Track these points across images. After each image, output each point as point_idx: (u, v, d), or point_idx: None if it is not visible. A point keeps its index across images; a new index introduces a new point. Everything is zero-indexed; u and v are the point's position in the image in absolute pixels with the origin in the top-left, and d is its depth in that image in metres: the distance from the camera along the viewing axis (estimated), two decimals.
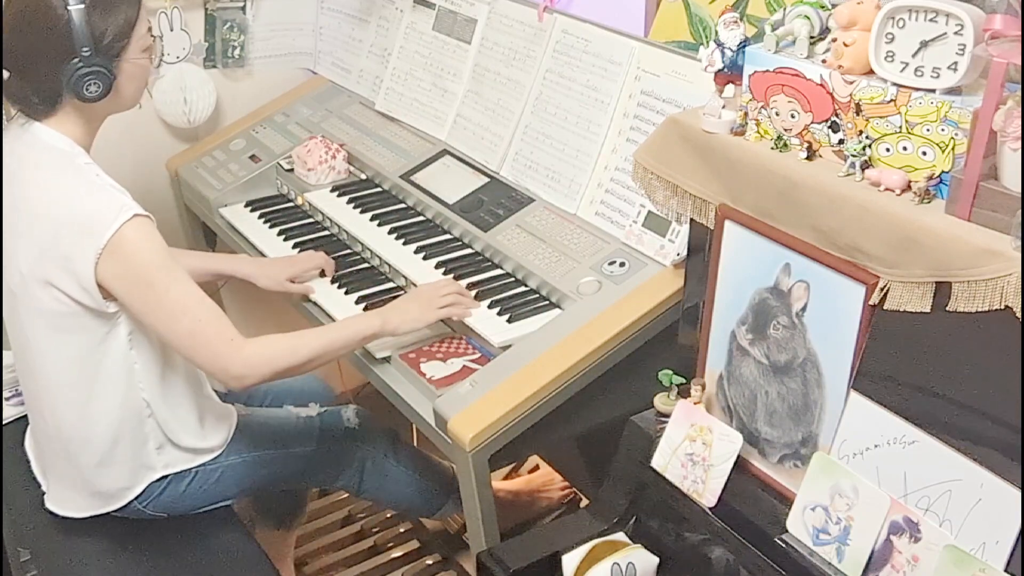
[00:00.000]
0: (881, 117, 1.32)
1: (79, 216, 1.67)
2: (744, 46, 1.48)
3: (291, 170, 2.56)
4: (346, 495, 2.63)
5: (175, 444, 1.89)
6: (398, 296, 2.06)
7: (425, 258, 2.14)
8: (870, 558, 1.29)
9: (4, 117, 1.81)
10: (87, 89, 1.68)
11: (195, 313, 1.71)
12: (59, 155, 1.74)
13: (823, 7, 1.45)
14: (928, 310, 1.25)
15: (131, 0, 1.72)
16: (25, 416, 2.09)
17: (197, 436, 1.91)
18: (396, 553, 2.57)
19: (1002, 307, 1.16)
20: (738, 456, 1.49)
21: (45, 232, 1.70)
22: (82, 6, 1.65)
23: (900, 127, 1.31)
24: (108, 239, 1.64)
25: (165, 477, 1.90)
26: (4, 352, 2.23)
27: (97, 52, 1.68)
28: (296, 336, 1.83)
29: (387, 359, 1.93)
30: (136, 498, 1.89)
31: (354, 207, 2.36)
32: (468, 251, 2.17)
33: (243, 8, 2.76)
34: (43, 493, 1.95)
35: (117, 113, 1.82)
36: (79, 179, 1.71)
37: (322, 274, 2.19)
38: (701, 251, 1.61)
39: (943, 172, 1.28)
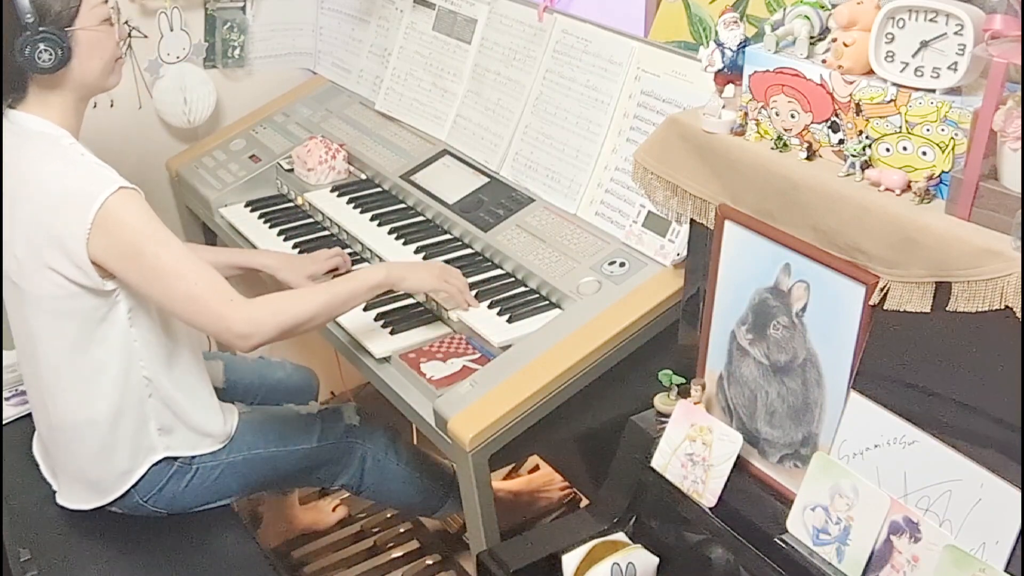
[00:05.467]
0: (881, 117, 1.32)
1: (66, 194, 1.68)
2: (744, 46, 1.48)
3: (291, 170, 2.56)
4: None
5: (180, 421, 1.88)
6: (398, 297, 2.06)
7: (425, 258, 2.13)
8: (870, 558, 1.29)
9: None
10: (39, 58, 1.68)
11: (190, 276, 1.70)
12: (43, 139, 1.75)
13: (823, 7, 1.45)
14: (928, 310, 1.25)
15: None
16: (24, 417, 2.10)
17: (201, 415, 1.91)
18: (396, 553, 2.57)
19: (1002, 307, 1.16)
20: (738, 456, 1.49)
21: (36, 215, 1.71)
22: None
23: (900, 127, 1.31)
24: (95, 213, 1.65)
25: (166, 460, 1.89)
26: (4, 352, 2.23)
27: (43, 20, 1.68)
28: (299, 291, 1.83)
29: (387, 359, 1.93)
30: (135, 486, 1.88)
31: (354, 207, 2.36)
32: (468, 251, 2.17)
33: (243, 8, 2.76)
34: (49, 493, 1.96)
35: (94, 94, 1.83)
36: (63, 159, 1.73)
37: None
38: (701, 251, 1.61)
39: (943, 172, 1.28)
